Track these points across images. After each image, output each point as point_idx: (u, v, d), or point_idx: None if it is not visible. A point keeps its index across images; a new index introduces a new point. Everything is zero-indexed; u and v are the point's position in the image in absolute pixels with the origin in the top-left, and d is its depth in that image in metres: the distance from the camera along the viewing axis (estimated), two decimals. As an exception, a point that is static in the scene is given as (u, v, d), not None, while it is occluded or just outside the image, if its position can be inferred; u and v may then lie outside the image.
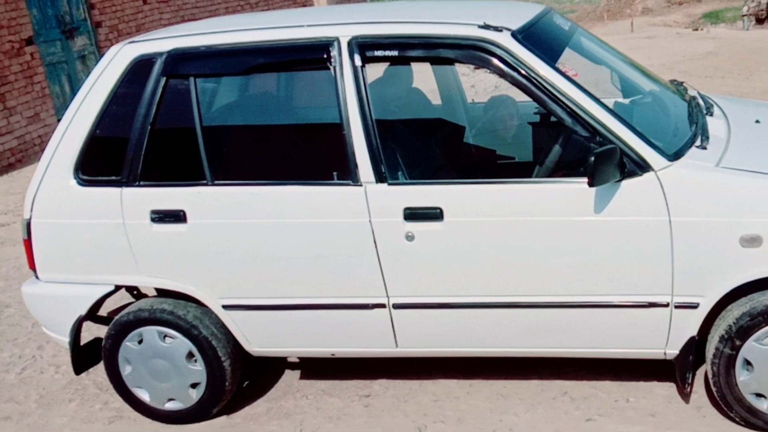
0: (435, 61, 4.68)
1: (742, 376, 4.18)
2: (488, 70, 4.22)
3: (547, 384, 4.90)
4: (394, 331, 4.49)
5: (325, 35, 4.35)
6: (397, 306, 4.42)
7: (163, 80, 4.48)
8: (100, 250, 4.63)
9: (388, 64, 4.90)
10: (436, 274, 4.33)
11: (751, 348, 4.12)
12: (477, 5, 5.24)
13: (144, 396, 4.85)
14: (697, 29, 20.91)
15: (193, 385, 4.75)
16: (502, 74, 4.16)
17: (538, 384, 4.90)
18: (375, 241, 4.30)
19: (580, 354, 4.55)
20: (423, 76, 5.49)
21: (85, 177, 4.58)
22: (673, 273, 4.07)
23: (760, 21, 21.50)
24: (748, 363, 4.15)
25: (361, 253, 4.34)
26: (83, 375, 5.27)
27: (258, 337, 4.70)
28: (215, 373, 4.69)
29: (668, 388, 4.73)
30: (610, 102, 4.55)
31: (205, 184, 4.46)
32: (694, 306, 4.13)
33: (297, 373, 5.32)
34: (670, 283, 4.10)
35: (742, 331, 4.08)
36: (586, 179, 3.91)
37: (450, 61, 4.51)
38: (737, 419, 4.31)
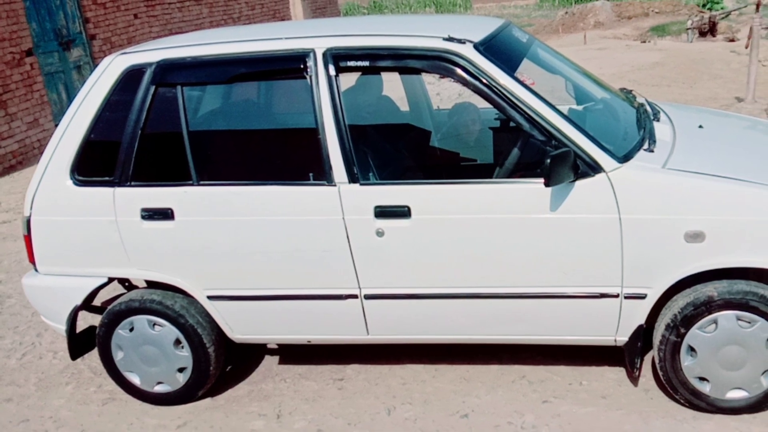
0: (403, 70, 4.57)
1: (686, 361, 4.13)
2: (452, 79, 4.15)
3: (507, 368, 4.82)
4: (365, 319, 4.41)
5: (302, 47, 4.25)
6: (368, 296, 4.34)
7: (152, 88, 4.40)
8: (95, 245, 4.53)
9: (359, 73, 4.78)
10: (405, 267, 4.24)
11: (694, 335, 4.07)
12: (442, 19, 5.19)
13: (135, 379, 4.76)
14: (645, 41, 20.85)
15: (180, 370, 4.67)
16: (465, 83, 4.09)
17: (498, 368, 4.83)
18: (348, 237, 4.21)
19: (537, 341, 4.46)
20: (392, 84, 5.38)
21: (80, 178, 4.49)
22: (622, 266, 4.01)
23: (702, 34, 21.56)
24: (692, 349, 4.10)
25: (335, 248, 4.25)
26: (79, 360, 5.24)
27: (240, 325, 4.60)
28: (200, 359, 4.61)
29: (618, 373, 4.67)
30: (564, 108, 4.49)
31: (192, 185, 4.36)
32: (642, 297, 4.07)
33: (276, 358, 5.23)
34: (620, 275, 4.04)
35: (687, 320, 4.04)
36: (542, 180, 3.85)
37: (417, 71, 4.41)
38: (682, 401, 4.26)
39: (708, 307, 3.99)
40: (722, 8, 24.90)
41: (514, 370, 4.79)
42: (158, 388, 4.75)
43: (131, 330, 4.64)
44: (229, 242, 4.36)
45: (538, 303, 4.20)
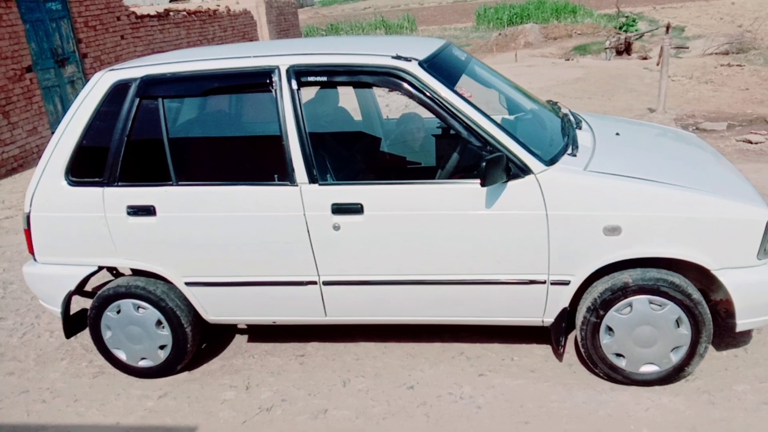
0: (357, 85, 4.33)
1: (605, 339, 4.00)
2: (400, 92, 3.95)
3: (448, 346, 4.64)
4: (323, 303, 4.22)
5: (268, 64, 4.07)
6: (326, 283, 4.15)
7: (137, 100, 4.20)
8: (86, 238, 4.32)
9: (319, 87, 4.61)
10: (358, 257, 4.05)
11: (612, 317, 3.95)
12: (391, 40, 4.99)
13: (121, 356, 4.57)
14: (568, 59, 20.64)
15: (161, 347, 4.49)
16: (411, 96, 3.91)
17: (440, 346, 4.64)
18: (308, 231, 4.02)
19: (474, 322, 4.25)
20: (347, 97, 5.16)
21: (74, 179, 4.29)
22: (549, 256, 3.86)
23: (619, 53, 21.49)
24: (609, 329, 3.98)
25: (297, 241, 4.05)
26: (72, 339, 5.11)
27: (214, 308, 4.40)
28: (179, 338, 4.43)
29: (545, 349, 4.51)
30: (498, 118, 4.32)
31: (171, 185, 4.16)
32: (566, 283, 3.93)
33: (245, 337, 5.03)
34: (546, 264, 3.88)
35: (605, 303, 3.92)
36: (479, 180, 3.72)
37: (369, 85, 4.18)
38: (601, 374, 4.12)
39: (624, 292, 3.87)
40: (636, 30, 24.85)
41: (454, 347, 4.62)
42: (142, 363, 4.55)
43: (118, 312, 4.45)
44: (204, 235, 4.16)
45: (474, 288, 4.02)
